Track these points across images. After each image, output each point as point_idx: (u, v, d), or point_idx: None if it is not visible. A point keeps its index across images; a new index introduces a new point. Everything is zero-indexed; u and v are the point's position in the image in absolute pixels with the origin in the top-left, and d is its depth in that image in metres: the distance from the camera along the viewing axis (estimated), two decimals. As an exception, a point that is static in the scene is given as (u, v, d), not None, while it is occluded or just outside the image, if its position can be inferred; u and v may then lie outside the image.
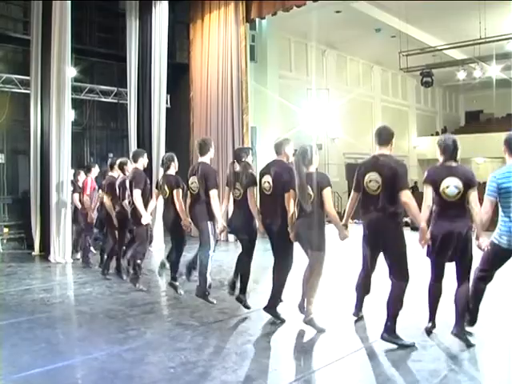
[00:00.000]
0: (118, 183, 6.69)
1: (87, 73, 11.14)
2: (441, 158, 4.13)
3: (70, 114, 8.89)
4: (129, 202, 6.32)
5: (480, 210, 3.97)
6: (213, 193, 5.20)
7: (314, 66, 16.77)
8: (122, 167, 6.84)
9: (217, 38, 11.10)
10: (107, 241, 7.32)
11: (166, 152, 10.54)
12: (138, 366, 3.76)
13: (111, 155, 11.66)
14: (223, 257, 8.05)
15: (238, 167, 5.05)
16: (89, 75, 11.22)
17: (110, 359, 3.92)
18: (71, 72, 9.34)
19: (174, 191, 5.65)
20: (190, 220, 5.47)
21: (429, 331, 4.28)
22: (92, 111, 11.50)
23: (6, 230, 9.89)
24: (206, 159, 5.40)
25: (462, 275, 4.09)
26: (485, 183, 4.08)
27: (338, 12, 13.94)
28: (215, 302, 5.37)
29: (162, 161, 6.03)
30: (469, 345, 3.98)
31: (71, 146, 8.88)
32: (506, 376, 3.61)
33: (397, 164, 4.11)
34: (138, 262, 6.21)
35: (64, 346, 4.38)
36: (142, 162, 6.39)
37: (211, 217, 5.28)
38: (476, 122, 25.68)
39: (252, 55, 12.61)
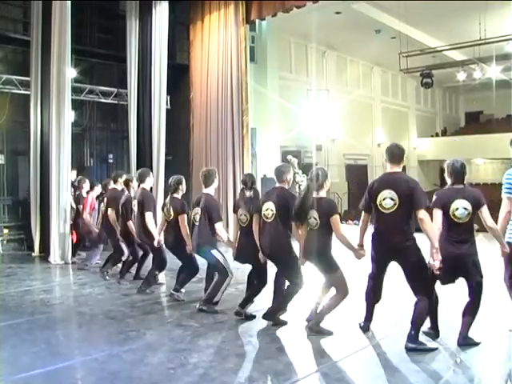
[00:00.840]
0: (121, 201, 6.62)
1: (87, 74, 11.12)
2: (449, 181, 4.17)
3: (69, 115, 8.89)
4: (133, 223, 6.34)
5: (495, 225, 4.02)
6: (218, 226, 5.29)
7: (314, 67, 16.76)
8: (127, 183, 6.78)
9: (217, 39, 11.09)
10: (116, 252, 7.06)
11: (166, 152, 10.63)
12: (137, 367, 3.75)
13: (111, 156, 11.68)
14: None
15: (247, 194, 5.04)
16: (89, 76, 11.21)
17: (109, 360, 3.92)
18: (71, 73, 9.33)
19: (179, 216, 5.64)
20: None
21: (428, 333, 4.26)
22: (92, 112, 11.48)
23: (5, 230, 9.87)
24: (210, 190, 5.45)
25: (472, 290, 4.07)
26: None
27: (337, 13, 13.94)
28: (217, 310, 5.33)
29: (170, 183, 5.94)
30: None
31: (71, 147, 8.88)
32: (506, 376, 3.60)
33: (413, 182, 4.16)
34: (156, 272, 6.26)
35: (64, 346, 4.38)
36: (149, 181, 6.43)
37: (215, 244, 5.38)
38: (476, 123, 25.66)
39: (252, 56, 12.63)
